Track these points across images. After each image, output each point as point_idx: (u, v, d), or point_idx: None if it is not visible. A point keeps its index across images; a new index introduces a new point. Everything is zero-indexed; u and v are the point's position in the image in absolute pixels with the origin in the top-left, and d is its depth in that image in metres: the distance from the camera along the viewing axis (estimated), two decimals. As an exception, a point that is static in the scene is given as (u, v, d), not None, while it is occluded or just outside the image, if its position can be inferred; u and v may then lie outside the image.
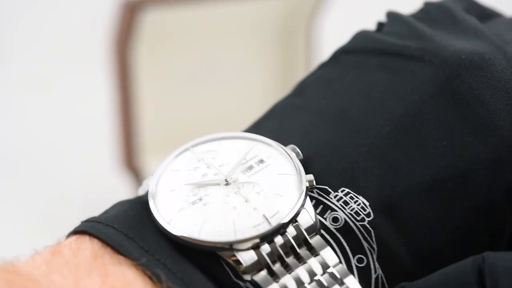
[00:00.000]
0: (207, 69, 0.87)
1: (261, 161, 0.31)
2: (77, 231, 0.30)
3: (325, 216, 0.30)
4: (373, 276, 0.30)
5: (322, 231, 0.30)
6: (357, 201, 0.30)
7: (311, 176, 0.30)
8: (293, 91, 0.36)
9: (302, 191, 0.30)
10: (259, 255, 0.28)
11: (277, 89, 0.91)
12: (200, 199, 0.29)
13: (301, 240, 0.29)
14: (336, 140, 0.31)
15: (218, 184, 0.30)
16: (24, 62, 1.09)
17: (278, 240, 0.29)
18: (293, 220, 0.29)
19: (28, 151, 0.97)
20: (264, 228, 0.28)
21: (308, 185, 0.30)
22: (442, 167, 0.30)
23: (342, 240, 0.30)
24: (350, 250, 0.30)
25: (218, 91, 0.89)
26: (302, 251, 0.29)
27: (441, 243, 0.30)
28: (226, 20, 0.85)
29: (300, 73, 0.87)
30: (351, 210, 0.30)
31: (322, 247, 0.29)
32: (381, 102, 0.32)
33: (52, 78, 1.05)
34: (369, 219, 0.30)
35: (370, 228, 0.29)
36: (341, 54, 0.35)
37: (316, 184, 0.30)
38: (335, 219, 0.30)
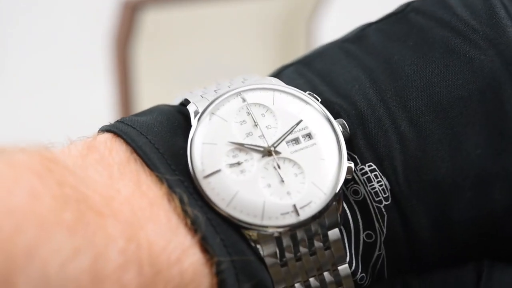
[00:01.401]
0: (207, 68, 0.87)
1: (309, 135, 0.30)
2: (111, 131, 0.30)
3: (347, 186, 0.30)
4: (376, 253, 0.30)
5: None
6: (380, 181, 0.30)
7: (351, 165, 0.30)
8: (351, 35, 0.34)
9: (338, 185, 0.29)
10: (277, 238, 0.28)
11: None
12: (239, 164, 0.29)
13: (320, 232, 0.29)
14: (376, 109, 0.31)
15: (261, 152, 0.29)
16: (24, 61, 1.09)
17: (299, 230, 0.29)
18: (321, 214, 0.29)
19: (28, 150, 0.97)
20: (291, 219, 0.28)
21: (346, 175, 0.30)
22: (467, 175, 0.30)
23: (358, 213, 0.30)
24: (362, 224, 0.30)
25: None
26: (316, 242, 0.29)
27: (445, 247, 0.30)
28: (226, 20, 0.85)
29: (300, 73, 0.87)
30: (372, 189, 0.30)
31: (336, 242, 0.29)
32: (429, 85, 0.30)
33: (52, 77, 1.05)
34: (386, 203, 0.30)
35: (384, 213, 0.30)
36: (411, 11, 0.33)
37: (350, 150, 0.30)
38: (356, 192, 0.30)
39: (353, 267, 0.30)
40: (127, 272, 0.25)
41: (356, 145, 0.30)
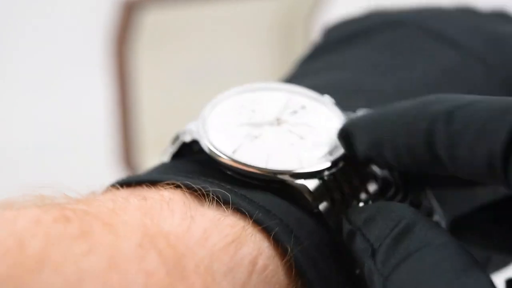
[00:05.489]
0: (205, 68, 0.87)
1: (303, 107, 0.31)
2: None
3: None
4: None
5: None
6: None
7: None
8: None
9: None
10: (324, 183, 0.28)
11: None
12: (256, 137, 0.29)
13: (354, 170, 0.29)
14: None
15: (271, 124, 0.30)
16: (23, 61, 1.09)
17: (338, 170, 0.29)
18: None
19: (27, 150, 0.97)
20: (330, 158, 0.28)
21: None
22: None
23: None
24: None
25: (217, 90, 0.89)
26: (355, 181, 0.29)
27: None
28: (225, 20, 0.85)
29: (299, 72, 0.88)
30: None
31: (369, 179, 0.29)
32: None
33: (51, 77, 1.05)
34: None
35: None
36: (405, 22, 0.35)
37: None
38: None
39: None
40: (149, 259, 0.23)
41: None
